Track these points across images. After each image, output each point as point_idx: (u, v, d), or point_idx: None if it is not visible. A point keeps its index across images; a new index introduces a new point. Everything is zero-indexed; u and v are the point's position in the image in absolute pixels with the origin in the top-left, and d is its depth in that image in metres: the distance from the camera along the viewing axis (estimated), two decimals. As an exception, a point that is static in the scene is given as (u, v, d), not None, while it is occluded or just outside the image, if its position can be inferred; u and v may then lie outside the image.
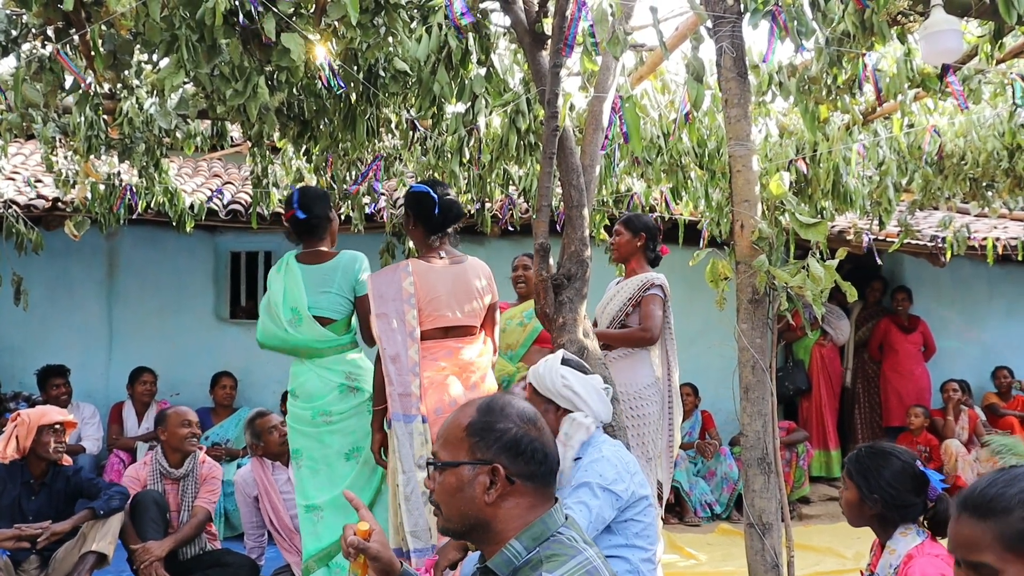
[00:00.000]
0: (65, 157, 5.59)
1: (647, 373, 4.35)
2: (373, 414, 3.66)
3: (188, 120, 5.04)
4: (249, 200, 6.47)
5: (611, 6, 3.21)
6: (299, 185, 5.73)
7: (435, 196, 3.63)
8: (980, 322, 9.02)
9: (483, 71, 4.00)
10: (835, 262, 3.03)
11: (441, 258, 3.68)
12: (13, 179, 6.74)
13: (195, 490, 4.73)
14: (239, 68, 3.30)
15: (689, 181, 5.77)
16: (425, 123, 4.98)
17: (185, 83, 3.63)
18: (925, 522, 2.66)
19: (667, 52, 3.67)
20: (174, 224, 6.09)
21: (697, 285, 4.28)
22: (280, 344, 3.92)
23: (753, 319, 3.13)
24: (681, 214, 6.70)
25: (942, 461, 7.39)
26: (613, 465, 2.88)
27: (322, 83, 4.04)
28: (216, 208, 6.46)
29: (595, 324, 4.51)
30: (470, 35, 3.73)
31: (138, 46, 3.56)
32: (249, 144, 5.47)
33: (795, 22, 3.21)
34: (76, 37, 3.42)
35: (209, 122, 5.44)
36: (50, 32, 3.56)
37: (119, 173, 5.73)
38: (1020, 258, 7.64)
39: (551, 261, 3.62)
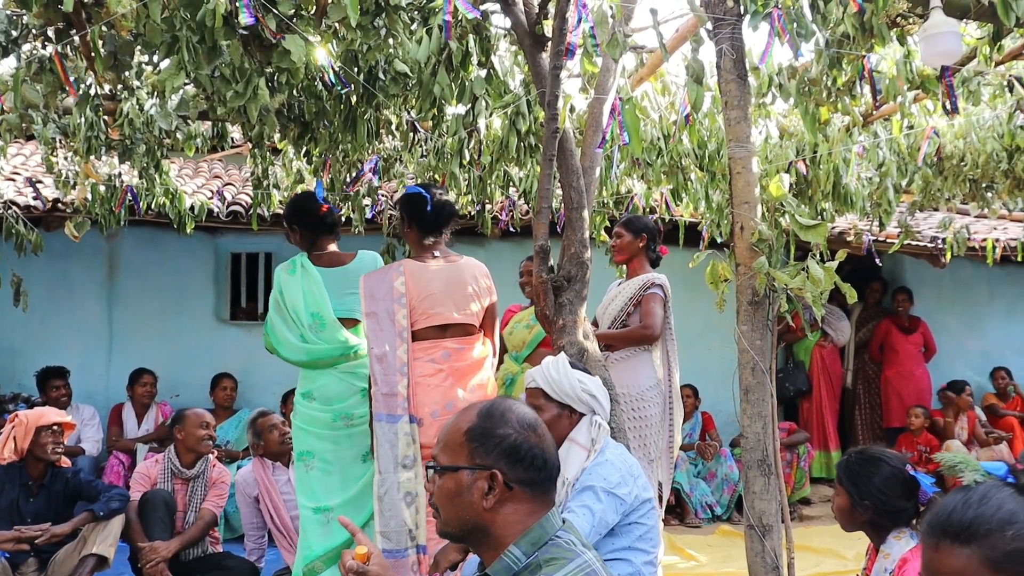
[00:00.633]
0: (65, 158, 5.60)
1: (648, 375, 4.35)
2: (371, 415, 3.65)
3: (188, 121, 5.04)
4: (249, 201, 6.47)
5: (611, 8, 3.22)
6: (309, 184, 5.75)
7: (428, 196, 3.63)
8: (980, 323, 9.02)
9: (483, 73, 4.00)
10: (835, 264, 3.04)
11: (436, 258, 3.67)
12: (13, 180, 6.74)
13: (204, 492, 4.73)
14: (240, 69, 3.30)
15: (689, 183, 5.77)
16: (425, 125, 4.98)
17: (186, 84, 3.63)
18: (918, 525, 2.66)
19: (667, 54, 3.67)
20: (174, 225, 6.09)
21: (697, 287, 4.28)
22: (302, 358, 3.80)
23: (753, 321, 3.13)
24: (681, 216, 6.70)
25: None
26: (617, 469, 2.89)
27: (323, 84, 4.04)
28: (216, 209, 6.46)
29: (595, 324, 4.52)
30: (470, 37, 3.73)
31: (139, 47, 3.56)
32: (249, 145, 5.47)
33: (795, 24, 3.21)
34: (76, 38, 3.42)
35: (209, 123, 5.44)
36: (50, 33, 3.56)
37: (119, 174, 5.74)
38: (1020, 259, 7.64)
39: (551, 263, 3.62)
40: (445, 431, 1.81)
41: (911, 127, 5.27)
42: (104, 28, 3.31)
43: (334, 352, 3.79)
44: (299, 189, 6.33)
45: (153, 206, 5.92)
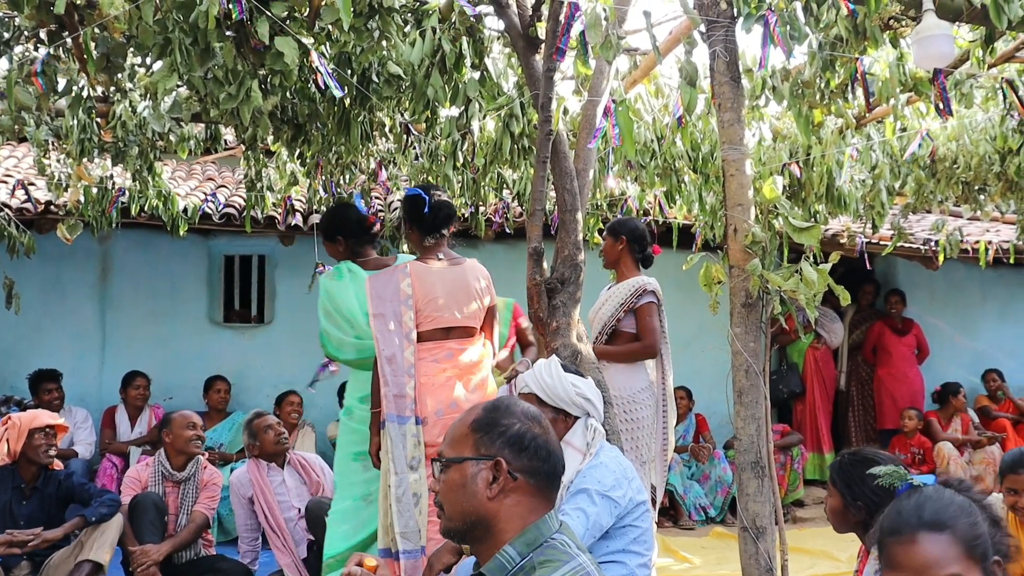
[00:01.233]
0: (58, 160, 5.58)
1: (641, 377, 4.35)
2: (372, 416, 3.65)
3: (181, 123, 5.03)
4: (243, 204, 6.46)
5: (604, 10, 3.22)
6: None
7: (426, 197, 3.64)
8: (973, 325, 9.05)
9: (477, 75, 4.00)
10: (828, 266, 3.04)
11: (439, 260, 3.68)
12: (6, 182, 6.72)
13: (195, 495, 4.72)
14: (232, 72, 3.29)
15: (683, 185, 5.78)
16: (419, 127, 4.98)
17: (179, 86, 3.63)
18: None
19: (660, 56, 3.67)
20: (167, 228, 6.08)
21: (691, 289, 4.28)
22: (366, 355, 3.77)
23: (747, 323, 3.13)
24: (675, 218, 6.70)
25: (935, 463, 7.43)
26: (612, 472, 2.89)
27: (316, 87, 4.04)
28: (210, 212, 6.45)
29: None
30: (464, 39, 3.73)
31: (131, 49, 3.55)
32: (243, 147, 5.46)
33: (788, 27, 3.22)
34: (69, 40, 3.41)
35: (203, 125, 5.43)
36: (43, 35, 3.55)
37: (112, 176, 5.72)
38: (1012, 261, 7.66)
39: (545, 265, 3.62)
40: (452, 427, 1.85)
41: (904, 130, 5.29)
42: (97, 30, 3.31)
43: None
44: (293, 192, 6.34)
45: (146, 208, 5.90)
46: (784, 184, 5.15)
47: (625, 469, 2.96)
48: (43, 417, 4.47)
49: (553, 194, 3.90)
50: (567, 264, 3.63)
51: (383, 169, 5.52)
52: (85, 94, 4.31)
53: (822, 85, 4.23)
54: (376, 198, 6.40)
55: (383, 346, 3.53)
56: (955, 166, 5.65)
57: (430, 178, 5.23)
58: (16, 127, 4.65)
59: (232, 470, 5.82)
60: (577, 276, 3.62)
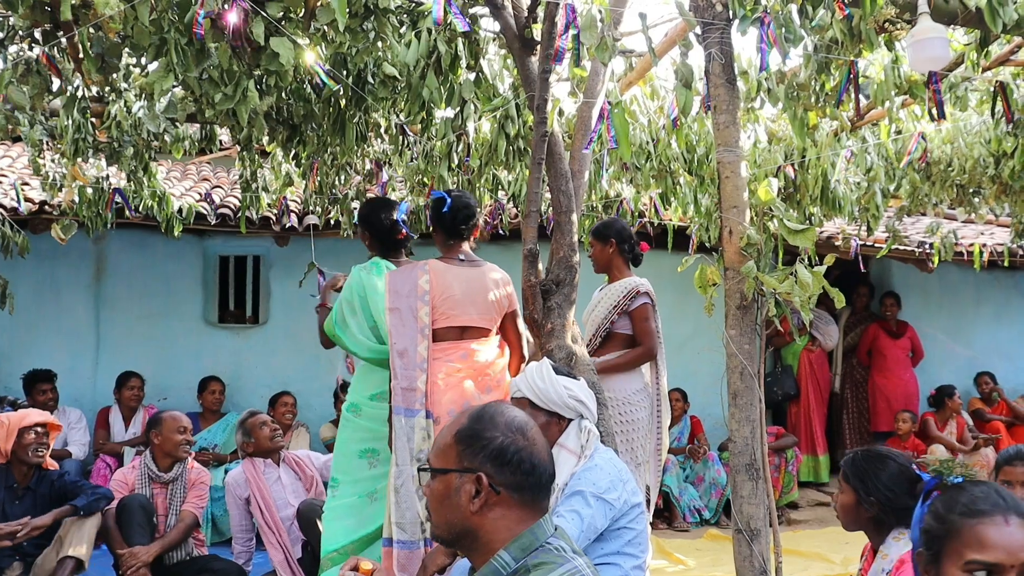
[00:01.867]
0: (53, 160, 5.56)
1: (636, 378, 4.35)
2: (390, 410, 3.69)
3: (177, 123, 5.02)
4: (238, 204, 6.45)
5: (600, 12, 3.22)
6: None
7: (448, 199, 3.70)
8: (967, 328, 9.07)
9: (472, 76, 4.00)
10: (823, 268, 3.04)
11: (460, 260, 3.73)
12: (0, 182, 6.70)
13: (183, 495, 4.69)
14: (228, 72, 3.29)
15: (678, 187, 5.78)
16: (414, 128, 4.98)
17: (174, 87, 3.62)
18: None
19: (656, 58, 3.67)
20: (162, 228, 6.07)
21: (686, 291, 4.28)
22: (374, 355, 3.83)
23: (741, 325, 3.13)
24: (670, 220, 6.71)
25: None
26: (607, 474, 2.89)
27: (312, 87, 4.03)
28: (205, 212, 6.44)
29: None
30: (459, 40, 3.73)
31: (127, 49, 3.54)
32: (238, 148, 5.45)
33: (783, 29, 3.22)
34: (64, 40, 3.40)
35: (198, 126, 5.42)
36: (37, 34, 3.54)
37: (107, 176, 5.71)
38: (1006, 264, 7.68)
39: (540, 266, 3.62)
40: (439, 435, 1.82)
41: (899, 132, 5.30)
42: (92, 30, 3.30)
43: None
44: (288, 192, 6.33)
45: (141, 208, 5.89)
46: (779, 186, 5.16)
47: (620, 471, 2.95)
48: (33, 416, 4.46)
49: (548, 196, 3.90)
50: (562, 266, 3.63)
51: (381, 170, 5.52)
52: (80, 94, 4.30)
53: (817, 87, 4.24)
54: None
55: (396, 340, 3.57)
56: (950, 169, 5.66)
57: (425, 179, 5.23)
58: (10, 126, 4.64)
59: (226, 471, 5.82)
60: (572, 278, 3.62)
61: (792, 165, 5.26)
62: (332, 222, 6.37)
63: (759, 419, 3.15)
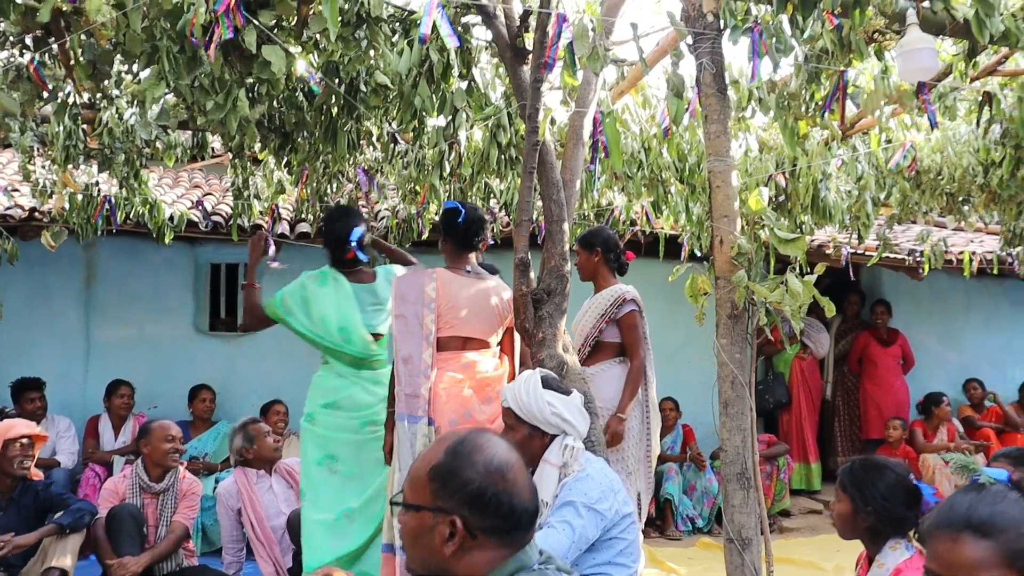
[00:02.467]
0: (43, 167, 5.54)
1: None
2: (388, 415, 3.73)
3: (168, 131, 5.02)
4: (229, 212, 6.43)
5: (592, 21, 3.23)
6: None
7: (463, 210, 3.76)
8: (958, 335, 9.11)
9: (464, 85, 4.01)
10: (813, 277, 3.05)
11: (467, 272, 3.78)
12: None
13: (174, 505, 4.66)
14: (220, 80, 3.29)
15: (669, 195, 5.79)
16: (406, 136, 4.98)
17: (166, 94, 3.62)
18: (915, 536, 2.66)
19: (647, 68, 3.68)
20: (153, 235, 6.05)
21: (677, 299, 4.28)
22: (304, 332, 4.08)
23: (732, 334, 3.14)
24: (662, 228, 6.72)
25: (920, 474, 7.45)
26: (598, 484, 2.88)
27: (303, 95, 4.03)
28: (196, 219, 6.42)
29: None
30: (451, 49, 3.73)
31: (118, 56, 3.54)
32: (230, 156, 5.45)
33: (774, 39, 3.24)
34: (55, 46, 3.39)
35: (190, 133, 5.42)
36: (28, 41, 3.53)
37: (98, 183, 5.69)
38: (996, 272, 7.72)
39: (531, 275, 3.63)
40: (414, 465, 1.70)
41: (889, 141, 5.33)
42: (84, 37, 3.29)
43: (360, 356, 4.09)
44: (280, 200, 6.32)
45: (132, 216, 5.87)
46: (770, 195, 5.17)
47: (611, 481, 2.95)
48: (19, 427, 4.42)
49: (540, 204, 3.91)
50: (554, 275, 3.63)
51: (371, 179, 5.52)
52: (71, 100, 4.29)
53: (808, 97, 4.26)
54: (363, 207, 6.38)
55: (400, 346, 3.63)
56: (939, 177, 5.69)
57: (417, 188, 5.22)
58: (1, 133, 4.62)
59: (217, 480, 5.79)
60: (563, 287, 3.62)
61: (783, 174, 5.28)
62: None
63: (750, 428, 3.15)
